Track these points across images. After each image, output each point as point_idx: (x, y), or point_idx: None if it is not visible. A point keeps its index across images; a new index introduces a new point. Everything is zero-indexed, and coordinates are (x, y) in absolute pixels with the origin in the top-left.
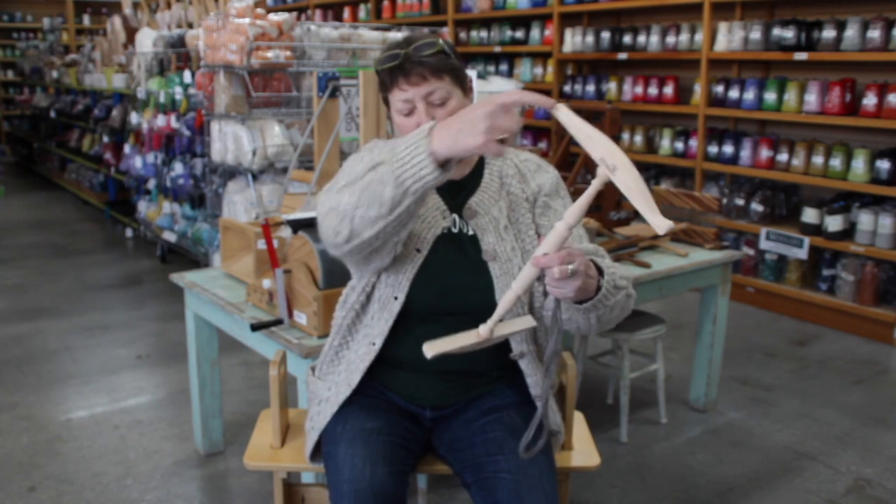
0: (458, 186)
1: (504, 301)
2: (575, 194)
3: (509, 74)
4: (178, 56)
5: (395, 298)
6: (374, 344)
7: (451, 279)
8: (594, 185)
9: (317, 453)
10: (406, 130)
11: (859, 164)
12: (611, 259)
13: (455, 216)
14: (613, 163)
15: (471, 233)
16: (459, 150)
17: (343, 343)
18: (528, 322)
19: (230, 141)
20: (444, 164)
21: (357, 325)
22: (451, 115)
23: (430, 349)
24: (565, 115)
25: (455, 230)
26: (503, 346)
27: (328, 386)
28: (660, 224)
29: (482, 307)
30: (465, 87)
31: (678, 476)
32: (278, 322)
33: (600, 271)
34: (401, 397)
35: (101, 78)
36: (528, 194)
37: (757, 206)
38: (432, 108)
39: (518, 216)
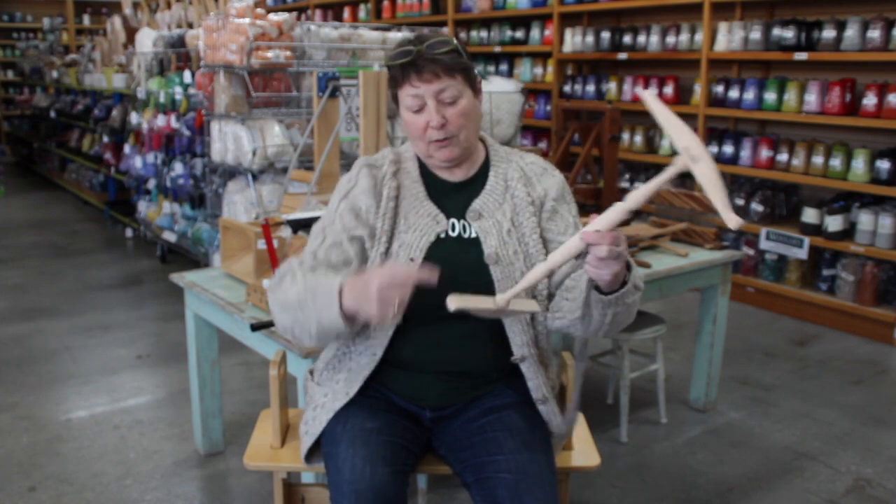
0: (462, 188)
1: (534, 272)
2: (576, 194)
3: (509, 74)
4: (178, 56)
5: None
6: (374, 354)
7: (451, 283)
8: (669, 172)
9: (312, 455)
10: (414, 128)
11: (859, 164)
12: None
13: (453, 220)
14: (697, 154)
15: (473, 235)
16: (361, 315)
17: (346, 353)
18: (534, 306)
19: (230, 141)
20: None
21: (359, 335)
22: (463, 115)
23: (454, 302)
24: (652, 102)
25: (453, 234)
26: (504, 347)
27: (325, 392)
28: (732, 219)
29: None
30: (475, 87)
31: (678, 476)
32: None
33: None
34: (401, 397)
35: (101, 78)
36: (534, 198)
37: (757, 206)
38: (442, 107)
39: (522, 220)
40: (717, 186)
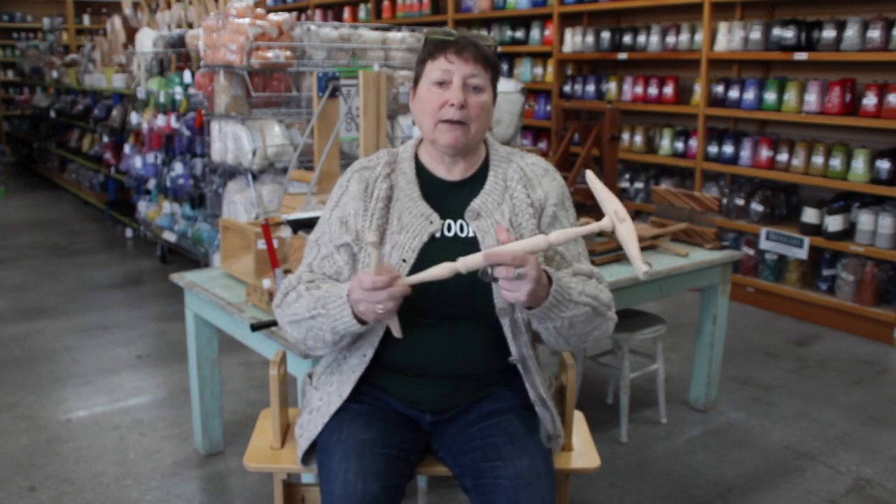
0: (460, 187)
1: (436, 269)
2: (575, 194)
3: (509, 74)
4: (178, 56)
5: None
6: (364, 356)
7: (445, 284)
8: (595, 227)
9: (309, 457)
10: (430, 103)
11: (859, 164)
12: (606, 285)
13: (449, 220)
14: (622, 216)
15: (471, 234)
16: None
17: (340, 354)
18: (396, 330)
19: (230, 141)
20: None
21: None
22: (482, 107)
23: (372, 234)
24: (592, 179)
25: (448, 233)
26: (501, 349)
27: (321, 396)
28: (641, 268)
29: (480, 310)
30: (495, 92)
31: (678, 476)
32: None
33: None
34: (399, 402)
35: (101, 78)
36: (534, 200)
37: (757, 206)
38: (467, 91)
39: (521, 221)
40: (634, 243)
